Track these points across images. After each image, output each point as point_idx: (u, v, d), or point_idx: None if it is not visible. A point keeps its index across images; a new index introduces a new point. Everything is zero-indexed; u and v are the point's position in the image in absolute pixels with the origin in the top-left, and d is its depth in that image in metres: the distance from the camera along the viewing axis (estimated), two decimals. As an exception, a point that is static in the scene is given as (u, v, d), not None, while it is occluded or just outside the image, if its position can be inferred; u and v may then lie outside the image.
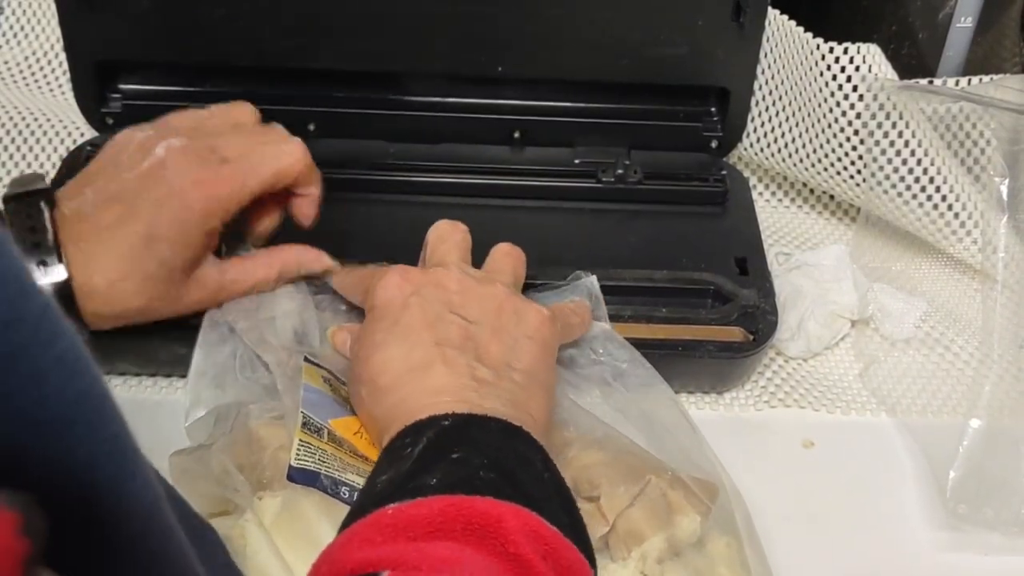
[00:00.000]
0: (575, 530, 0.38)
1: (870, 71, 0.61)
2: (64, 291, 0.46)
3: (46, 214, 0.46)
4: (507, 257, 0.52)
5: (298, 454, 0.44)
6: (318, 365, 0.50)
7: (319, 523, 0.43)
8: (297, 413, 0.46)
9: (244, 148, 0.51)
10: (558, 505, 0.38)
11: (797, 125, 0.63)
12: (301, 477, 0.44)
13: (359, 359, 0.47)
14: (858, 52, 0.61)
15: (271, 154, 0.51)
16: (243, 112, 0.54)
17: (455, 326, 0.46)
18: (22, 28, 0.77)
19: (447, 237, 0.52)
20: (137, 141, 0.50)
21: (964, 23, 0.67)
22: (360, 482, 0.45)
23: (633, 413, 0.50)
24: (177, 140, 0.50)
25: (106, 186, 0.49)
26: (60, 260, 0.46)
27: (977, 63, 0.69)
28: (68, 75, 0.78)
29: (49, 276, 0.45)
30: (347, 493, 0.44)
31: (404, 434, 0.41)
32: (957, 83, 0.65)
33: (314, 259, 0.53)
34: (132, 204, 0.48)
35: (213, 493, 0.46)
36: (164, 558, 0.27)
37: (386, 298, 0.47)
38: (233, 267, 0.51)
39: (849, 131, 0.62)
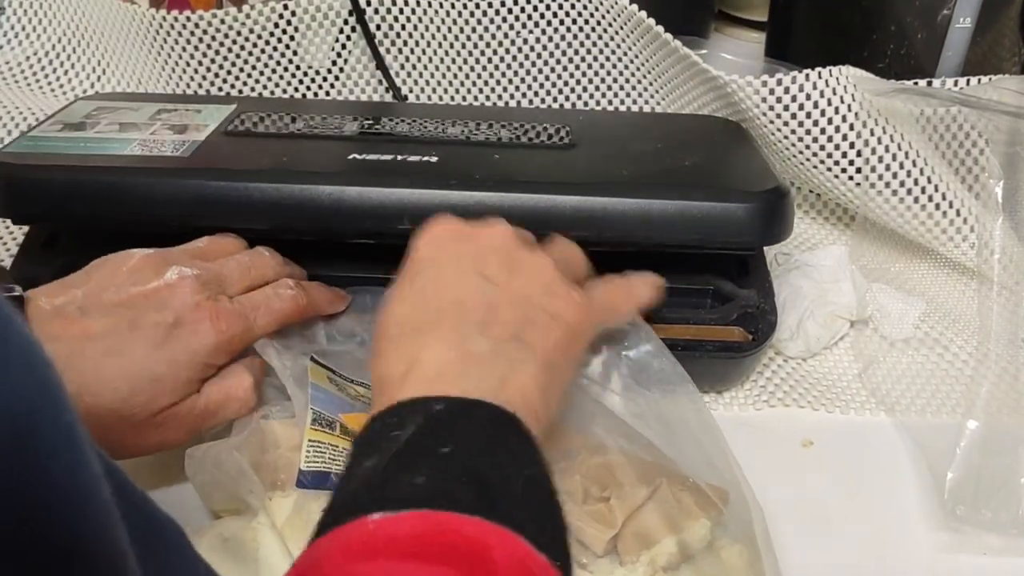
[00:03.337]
0: (555, 540, 0.36)
1: (845, 92, 0.61)
2: None
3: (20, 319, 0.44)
4: (567, 247, 0.50)
5: (308, 455, 0.44)
6: (324, 365, 0.50)
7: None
8: (307, 410, 0.46)
9: (252, 287, 0.49)
10: (538, 515, 0.37)
11: (793, 132, 0.63)
12: (311, 481, 0.44)
13: (383, 312, 0.44)
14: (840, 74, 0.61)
15: (277, 298, 0.49)
16: (234, 244, 0.52)
17: (473, 287, 0.43)
18: (23, 28, 0.78)
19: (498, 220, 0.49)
20: (140, 258, 0.47)
21: (963, 23, 0.67)
22: None
23: (652, 413, 0.49)
24: (189, 269, 0.47)
25: (100, 294, 0.45)
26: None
27: (976, 63, 0.69)
28: (68, 75, 0.78)
29: None
30: None
31: (393, 411, 0.38)
32: (956, 83, 0.65)
33: (328, 302, 0.52)
34: (133, 320, 0.44)
35: (227, 491, 0.46)
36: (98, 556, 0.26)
37: (422, 246, 0.46)
38: (205, 394, 0.47)
39: (839, 139, 0.62)
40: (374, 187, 0.52)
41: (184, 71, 0.76)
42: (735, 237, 0.53)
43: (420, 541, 0.33)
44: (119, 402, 0.43)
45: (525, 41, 0.76)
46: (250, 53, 0.76)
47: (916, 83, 0.64)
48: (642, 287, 0.52)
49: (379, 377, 0.42)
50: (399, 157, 0.55)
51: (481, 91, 0.78)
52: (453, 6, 0.75)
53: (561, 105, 0.78)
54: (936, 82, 0.65)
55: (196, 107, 0.62)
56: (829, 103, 0.62)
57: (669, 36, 0.68)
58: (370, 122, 0.61)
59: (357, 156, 0.55)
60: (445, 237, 0.46)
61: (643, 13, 0.69)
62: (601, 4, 0.73)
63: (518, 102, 0.78)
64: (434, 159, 0.55)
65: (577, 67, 0.77)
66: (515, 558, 0.33)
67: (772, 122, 0.63)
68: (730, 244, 0.54)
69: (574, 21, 0.75)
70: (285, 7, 0.75)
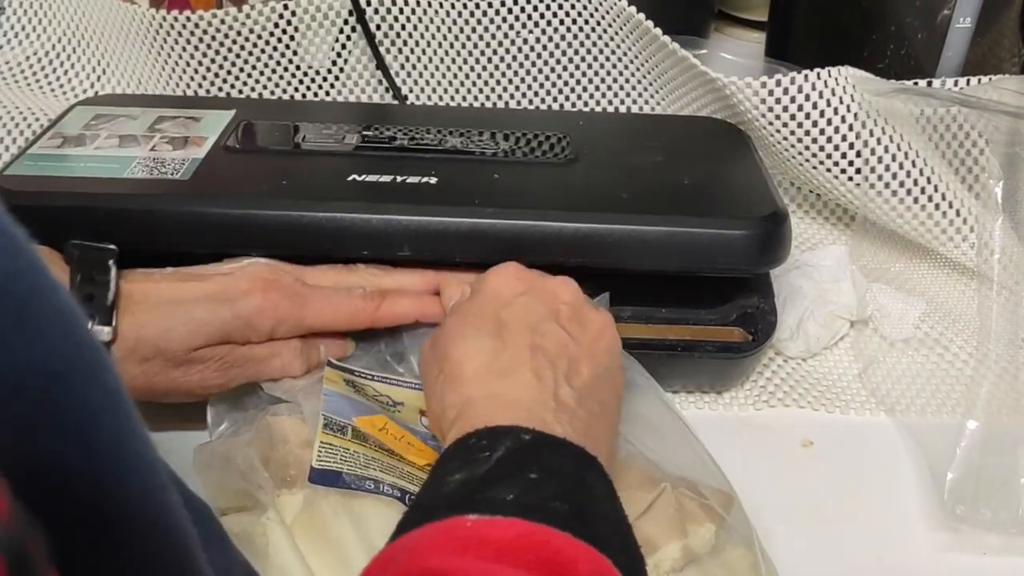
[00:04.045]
0: (634, 570, 0.38)
1: (844, 92, 0.61)
2: None
3: (113, 272, 0.47)
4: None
5: (320, 455, 0.44)
6: (342, 368, 0.50)
7: (336, 523, 0.43)
8: (318, 416, 0.46)
9: (323, 282, 0.52)
10: (621, 544, 0.38)
11: (792, 133, 0.63)
12: (323, 478, 0.44)
13: (448, 337, 0.46)
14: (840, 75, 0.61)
15: (343, 296, 0.51)
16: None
17: (555, 337, 0.45)
18: (23, 28, 0.78)
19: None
20: (221, 261, 0.51)
21: (963, 23, 0.67)
22: (386, 477, 0.45)
23: (641, 421, 0.50)
24: (264, 261, 0.51)
25: (184, 270, 0.50)
26: (110, 323, 0.46)
27: (976, 63, 0.69)
28: (68, 75, 0.78)
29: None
30: (372, 486, 0.44)
31: (480, 435, 0.40)
32: (956, 83, 0.65)
33: (338, 349, 0.53)
34: (197, 276, 0.49)
35: (235, 487, 0.46)
36: (164, 525, 0.27)
37: (496, 287, 0.47)
38: (249, 345, 0.50)
39: (838, 139, 0.62)
40: (374, 214, 0.52)
41: (184, 71, 0.76)
42: (733, 264, 0.53)
43: (512, 546, 0.34)
44: (159, 334, 0.47)
45: (525, 41, 0.76)
46: (250, 53, 0.76)
47: (916, 83, 0.64)
48: None
49: (463, 401, 0.43)
50: (398, 179, 0.55)
51: (481, 91, 0.78)
52: (453, 6, 0.75)
53: (561, 105, 0.78)
54: (936, 82, 0.65)
55: (195, 113, 0.62)
56: (828, 104, 0.62)
57: (667, 39, 0.68)
58: (369, 133, 0.61)
59: (357, 177, 0.55)
60: (518, 282, 0.48)
61: (641, 15, 0.69)
62: (600, 5, 0.73)
63: (518, 102, 0.78)
64: (433, 180, 0.55)
65: (577, 67, 0.77)
66: (599, 573, 0.35)
67: (771, 123, 0.63)
68: (728, 270, 0.54)
69: (574, 21, 0.75)
70: (285, 7, 0.75)
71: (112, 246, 0.48)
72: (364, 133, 0.61)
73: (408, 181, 0.55)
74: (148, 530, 0.26)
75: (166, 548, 0.27)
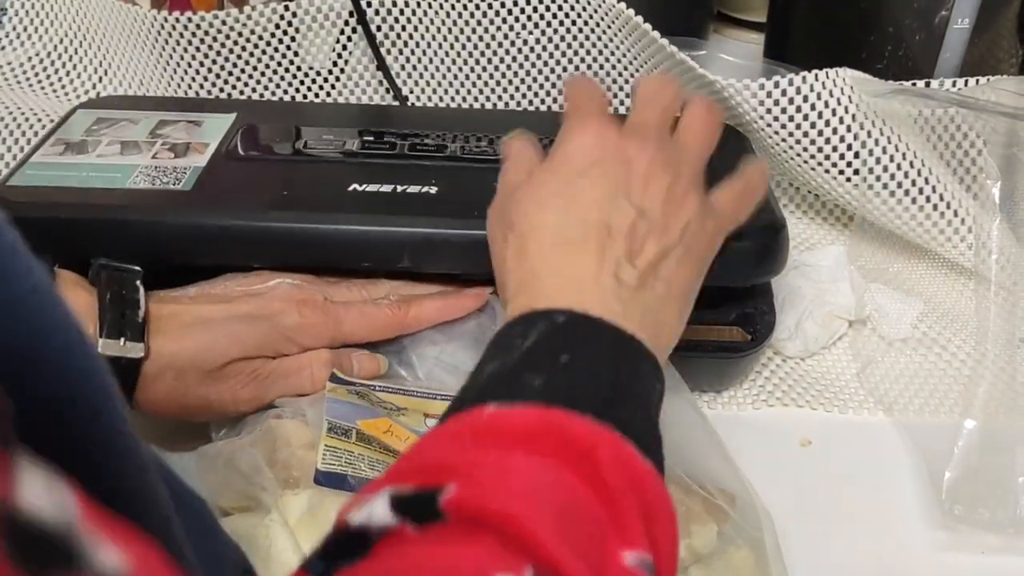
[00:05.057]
0: (656, 453, 0.38)
1: (843, 94, 0.61)
2: (128, 370, 0.46)
3: (141, 291, 0.48)
4: (700, 124, 0.49)
5: (324, 458, 0.45)
6: (346, 381, 0.50)
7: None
8: (322, 420, 0.46)
9: (351, 298, 0.53)
10: (647, 427, 0.38)
11: (791, 134, 0.63)
12: (328, 481, 0.44)
13: (516, 205, 0.45)
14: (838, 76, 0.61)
15: (373, 306, 0.52)
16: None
17: (623, 213, 0.43)
18: (24, 29, 0.78)
19: (655, 99, 0.48)
20: (248, 274, 0.52)
21: (961, 24, 0.68)
22: None
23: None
24: (291, 279, 0.52)
25: (210, 289, 0.51)
26: (141, 340, 0.46)
27: (974, 64, 0.69)
28: (70, 76, 0.78)
29: (125, 351, 0.46)
30: None
31: (517, 322, 0.40)
32: (954, 84, 0.65)
33: (371, 364, 0.53)
34: (228, 298, 0.50)
35: (238, 489, 0.46)
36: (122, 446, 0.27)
37: (572, 152, 0.46)
38: (279, 359, 0.51)
39: (836, 141, 0.62)
40: (374, 226, 0.52)
41: (185, 72, 0.77)
42: (728, 276, 0.53)
43: (530, 433, 0.35)
44: (194, 350, 0.48)
45: (525, 42, 0.76)
46: (251, 54, 0.76)
47: (914, 84, 0.65)
48: (758, 179, 0.52)
49: (522, 277, 0.43)
50: (399, 188, 0.55)
51: (481, 91, 0.78)
52: (453, 7, 0.75)
53: (560, 106, 0.78)
54: (934, 83, 0.65)
55: (196, 117, 0.62)
56: (827, 105, 0.62)
57: (665, 41, 0.68)
58: (370, 137, 0.61)
59: (357, 187, 0.55)
60: (595, 149, 0.45)
61: (639, 18, 0.70)
62: (599, 7, 0.73)
63: (518, 103, 0.78)
64: (433, 190, 0.55)
65: (576, 67, 0.77)
66: (619, 458, 0.35)
67: (770, 125, 0.63)
68: (723, 280, 0.53)
69: (573, 22, 0.75)
70: (286, 8, 0.75)
71: (137, 267, 0.49)
72: (365, 138, 0.61)
73: (409, 191, 0.55)
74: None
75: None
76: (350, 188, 0.55)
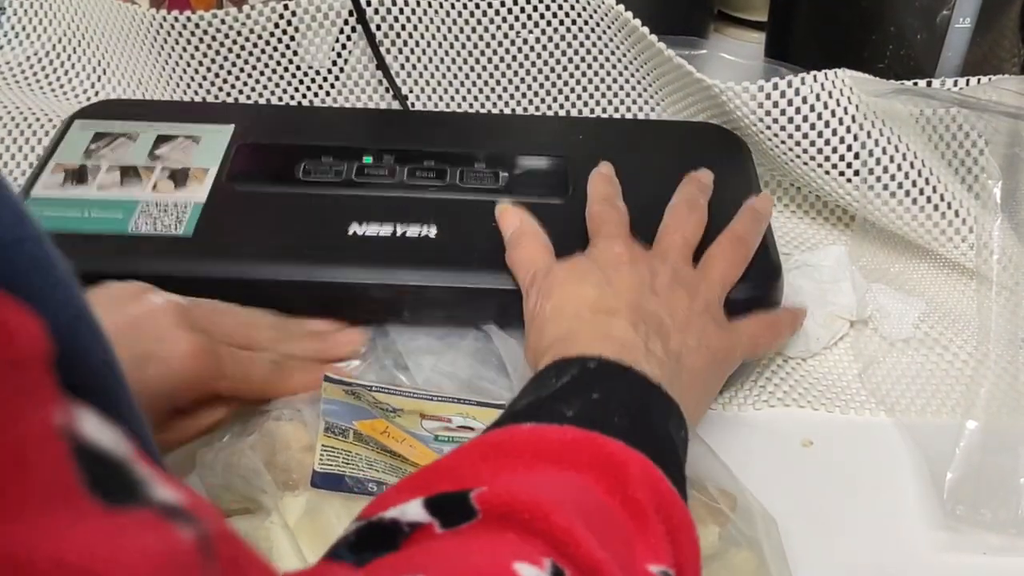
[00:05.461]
0: (682, 486, 0.40)
1: (842, 95, 0.61)
2: None
3: None
4: (722, 260, 0.53)
5: (322, 458, 0.45)
6: (339, 381, 0.50)
7: (340, 525, 0.43)
8: (319, 421, 0.46)
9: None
10: (674, 463, 0.40)
11: (791, 136, 0.63)
12: (325, 482, 0.44)
13: (555, 280, 0.50)
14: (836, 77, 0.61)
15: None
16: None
17: (654, 304, 0.48)
18: (23, 28, 0.78)
19: (679, 227, 0.54)
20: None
21: (963, 23, 0.67)
22: (389, 478, 0.46)
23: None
24: (174, 297, 0.49)
25: None
26: None
27: (976, 64, 0.69)
28: (68, 75, 0.78)
29: None
30: (375, 488, 0.44)
31: (552, 367, 0.43)
32: (956, 83, 0.65)
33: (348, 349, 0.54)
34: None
35: (238, 492, 0.46)
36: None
37: (605, 252, 0.51)
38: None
39: (836, 142, 0.62)
40: (373, 277, 0.54)
41: (184, 72, 0.76)
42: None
43: (563, 448, 0.37)
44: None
45: (525, 42, 0.76)
46: (250, 53, 0.76)
47: (916, 83, 0.64)
48: (788, 323, 0.57)
49: (556, 336, 0.46)
50: (398, 231, 0.56)
51: (481, 91, 0.78)
52: (453, 7, 0.75)
53: (561, 106, 0.78)
54: (936, 82, 0.65)
55: (194, 131, 0.62)
56: (826, 106, 0.62)
57: (663, 45, 0.68)
58: (369, 160, 0.61)
59: (357, 231, 0.56)
60: (625, 252, 0.51)
61: (637, 21, 0.70)
62: (598, 8, 0.73)
63: (518, 103, 0.78)
64: (433, 233, 0.56)
65: (577, 67, 0.77)
66: (648, 478, 0.37)
67: (769, 127, 0.63)
68: None
69: (573, 22, 0.75)
70: (285, 7, 0.75)
71: None
72: (364, 159, 0.61)
73: (408, 235, 0.56)
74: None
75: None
76: (350, 232, 0.56)
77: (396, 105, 0.77)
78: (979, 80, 0.65)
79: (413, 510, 0.33)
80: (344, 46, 0.77)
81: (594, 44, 0.75)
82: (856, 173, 0.63)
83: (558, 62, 0.77)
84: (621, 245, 0.51)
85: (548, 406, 0.40)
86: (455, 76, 0.77)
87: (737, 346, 0.52)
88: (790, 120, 0.62)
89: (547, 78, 0.77)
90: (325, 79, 0.78)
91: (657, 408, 0.42)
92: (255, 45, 0.76)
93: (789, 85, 0.62)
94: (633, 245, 0.52)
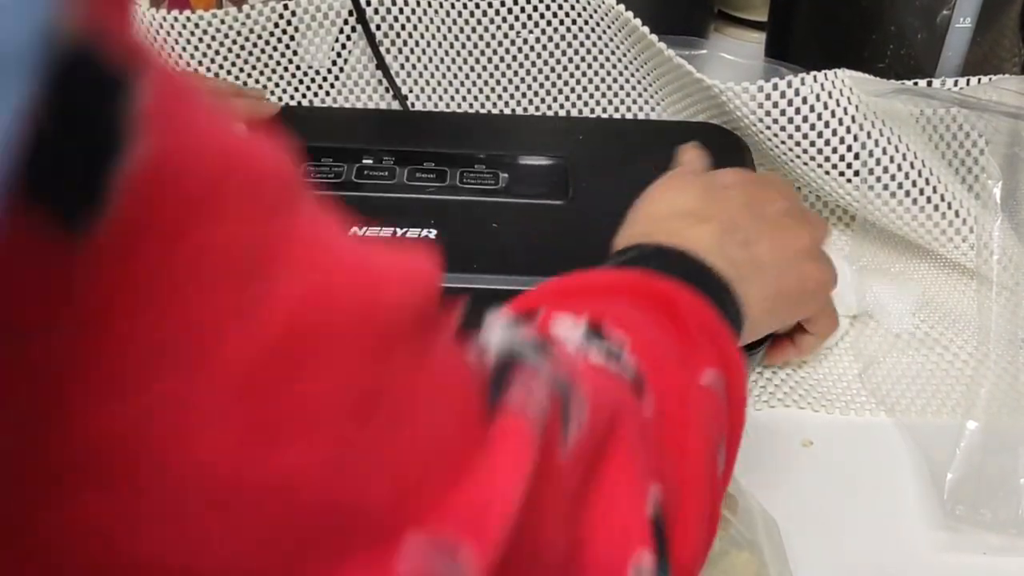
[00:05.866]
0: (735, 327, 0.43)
1: (842, 95, 0.61)
2: None
3: None
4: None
5: None
6: None
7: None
8: None
9: None
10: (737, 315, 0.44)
11: (791, 136, 0.63)
12: None
13: (655, 189, 0.51)
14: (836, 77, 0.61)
15: None
16: None
17: (749, 219, 0.49)
18: (23, 28, 0.78)
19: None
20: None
21: (963, 23, 0.67)
22: None
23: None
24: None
25: None
26: None
27: (976, 63, 0.69)
28: (69, 75, 0.78)
29: None
30: None
31: (619, 251, 0.46)
32: (956, 83, 0.65)
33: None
34: None
35: None
36: None
37: (717, 174, 0.54)
38: None
39: (836, 142, 0.62)
40: None
41: (184, 71, 0.76)
42: None
43: (613, 284, 0.41)
44: None
45: (525, 41, 0.76)
46: (250, 53, 0.76)
47: (916, 83, 0.64)
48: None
49: (643, 232, 0.48)
50: (398, 232, 0.56)
51: (481, 91, 0.78)
52: (453, 6, 0.75)
53: (561, 105, 0.78)
54: (936, 82, 0.65)
55: None
56: (826, 107, 0.62)
57: (663, 45, 0.68)
58: (369, 161, 0.61)
59: (357, 233, 0.56)
60: (736, 175, 0.54)
61: (637, 21, 0.69)
62: (599, 8, 0.73)
63: (518, 102, 0.78)
64: (432, 234, 0.56)
65: (577, 67, 0.77)
66: (698, 310, 0.40)
67: (769, 127, 0.63)
68: None
69: (573, 22, 0.75)
70: (285, 7, 0.75)
71: None
72: (364, 160, 0.61)
73: (408, 237, 0.55)
74: None
75: None
76: (350, 233, 0.55)
77: (396, 105, 0.77)
78: (979, 80, 0.65)
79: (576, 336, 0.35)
80: (344, 46, 0.77)
81: (594, 44, 0.75)
82: (856, 173, 0.63)
83: (558, 62, 0.76)
84: (740, 173, 0.54)
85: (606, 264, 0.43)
86: (455, 76, 0.77)
87: (829, 285, 0.53)
88: (790, 120, 0.62)
89: (547, 78, 0.77)
90: (325, 79, 0.78)
91: (716, 293, 0.43)
92: (255, 45, 0.76)
93: (789, 85, 0.62)
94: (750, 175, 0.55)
